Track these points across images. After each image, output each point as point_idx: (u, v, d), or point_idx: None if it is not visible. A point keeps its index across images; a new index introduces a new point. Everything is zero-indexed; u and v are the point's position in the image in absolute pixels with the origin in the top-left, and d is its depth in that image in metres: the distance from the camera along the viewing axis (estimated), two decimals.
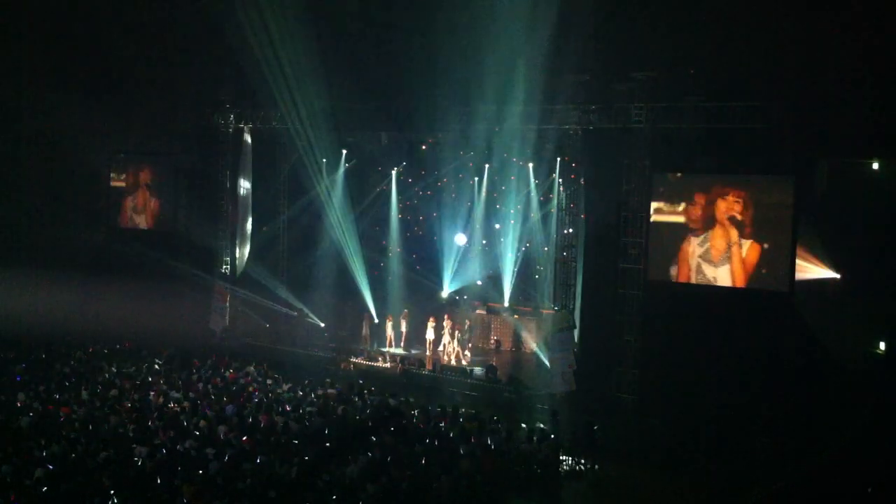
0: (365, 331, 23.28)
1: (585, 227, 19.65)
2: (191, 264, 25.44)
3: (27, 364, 19.21)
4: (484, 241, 23.96)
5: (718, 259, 17.88)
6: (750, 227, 17.63)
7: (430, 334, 22.09)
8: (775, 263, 17.38)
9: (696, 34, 17.38)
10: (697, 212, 18.23)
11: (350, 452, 13.66)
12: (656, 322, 18.25)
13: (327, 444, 14.56)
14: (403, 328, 22.71)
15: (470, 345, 21.96)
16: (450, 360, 21.29)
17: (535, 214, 22.56)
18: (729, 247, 17.77)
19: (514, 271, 23.02)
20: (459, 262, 24.32)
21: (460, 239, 23.82)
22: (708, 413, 16.54)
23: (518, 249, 23.13)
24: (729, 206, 17.82)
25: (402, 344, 22.71)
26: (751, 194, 17.65)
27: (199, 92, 24.71)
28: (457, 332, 21.68)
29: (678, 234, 18.39)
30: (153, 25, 23.81)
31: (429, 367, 21.00)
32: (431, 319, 22.30)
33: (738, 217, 17.71)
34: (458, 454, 14.23)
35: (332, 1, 21.43)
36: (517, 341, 23.44)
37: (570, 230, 19.55)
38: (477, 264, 24.03)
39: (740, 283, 17.71)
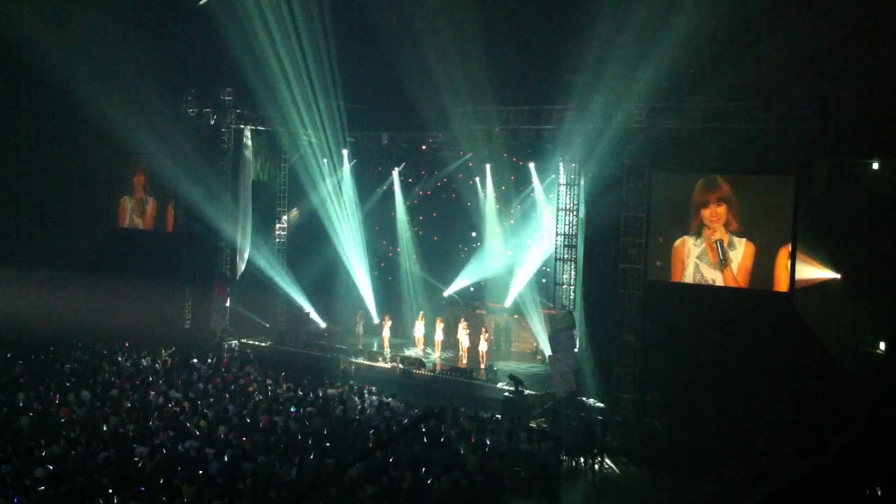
0: (359, 329, 23.28)
1: (585, 227, 19.65)
2: (191, 264, 25.44)
3: (27, 364, 19.21)
4: (474, 234, 23.88)
5: (716, 261, 17.86)
6: (740, 227, 17.60)
7: (438, 335, 22.14)
8: (771, 263, 17.36)
9: (696, 34, 17.36)
10: (691, 212, 18.21)
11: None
12: (656, 322, 18.24)
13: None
14: (421, 331, 22.74)
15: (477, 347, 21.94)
16: (482, 360, 21.24)
17: (534, 214, 22.57)
18: (723, 248, 17.76)
19: (513, 271, 23.01)
20: (460, 262, 24.33)
21: None
22: (708, 413, 16.54)
23: (518, 250, 23.13)
24: (712, 212, 17.82)
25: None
26: (738, 196, 17.61)
27: (199, 92, 24.70)
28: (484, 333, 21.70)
29: (675, 233, 18.39)
30: (154, 25, 23.81)
31: (439, 368, 21.05)
32: (439, 320, 22.36)
33: (726, 221, 17.70)
34: (458, 454, 14.24)
35: (332, 1, 21.42)
36: (517, 342, 23.46)
37: (571, 230, 19.55)
38: (477, 264, 24.03)
39: (740, 284, 17.68)
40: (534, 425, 15.96)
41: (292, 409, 16.42)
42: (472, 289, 24.60)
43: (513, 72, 19.46)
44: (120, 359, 20.33)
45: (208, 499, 11.62)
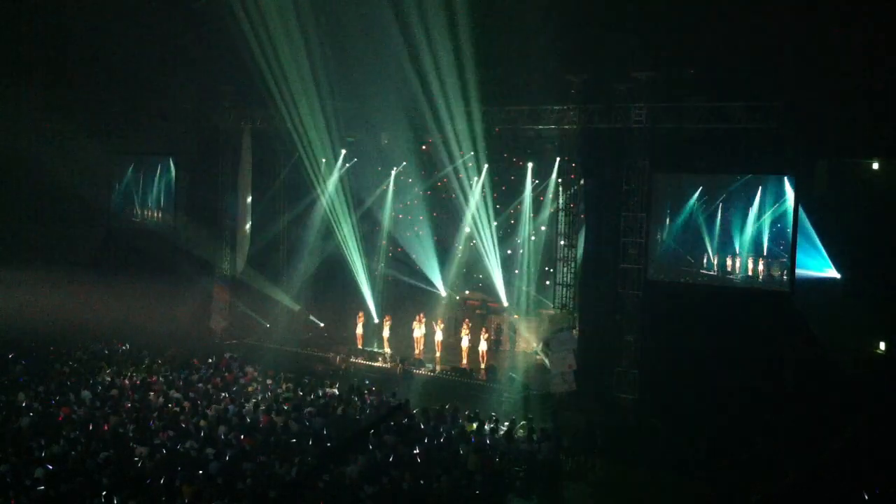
0: (359, 329, 23.28)
1: (585, 227, 19.64)
2: (191, 264, 25.42)
3: (27, 364, 19.20)
4: (468, 230, 23.88)
5: None
6: None
7: (438, 335, 22.15)
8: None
9: (696, 34, 17.37)
10: None
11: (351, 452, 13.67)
12: (656, 322, 18.25)
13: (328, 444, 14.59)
14: (421, 332, 22.72)
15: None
16: (482, 360, 21.21)
17: (535, 215, 22.58)
18: None
19: (513, 272, 23.04)
20: (459, 262, 24.35)
21: None
22: (708, 413, 16.54)
23: (518, 249, 23.14)
24: None
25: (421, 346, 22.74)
26: None
27: (199, 92, 24.70)
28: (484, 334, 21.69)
29: None
30: (153, 25, 23.78)
31: (439, 368, 21.06)
32: (440, 321, 22.36)
33: None
34: (458, 454, 14.24)
35: (332, 1, 21.41)
36: (517, 341, 23.44)
37: (571, 230, 19.54)
38: (476, 264, 24.04)
39: None
40: (533, 426, 15.92)
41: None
42: (467, 291, 24.64)
43: (513, 72, 19.44)
44: (120, 359, 20.31)
45: (208, 499, 11.61)
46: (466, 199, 23.72)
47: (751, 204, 17.89)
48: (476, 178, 23.39)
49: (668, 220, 18.82)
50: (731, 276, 18.17)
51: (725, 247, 18.22)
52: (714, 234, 18.31)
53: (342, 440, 14.62)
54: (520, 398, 18.83)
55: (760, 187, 17.72)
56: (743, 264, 18.12)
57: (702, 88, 17.86)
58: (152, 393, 17.13)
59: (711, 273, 18.44)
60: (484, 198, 23.47)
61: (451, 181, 23.94)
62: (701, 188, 18.37)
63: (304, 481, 11.98)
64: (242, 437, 14.46)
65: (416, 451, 14.32)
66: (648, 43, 17.86)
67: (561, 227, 19.63)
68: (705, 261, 18.51)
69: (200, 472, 12.81)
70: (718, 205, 18.29)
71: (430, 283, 24.40)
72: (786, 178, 17.42)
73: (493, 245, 23.50)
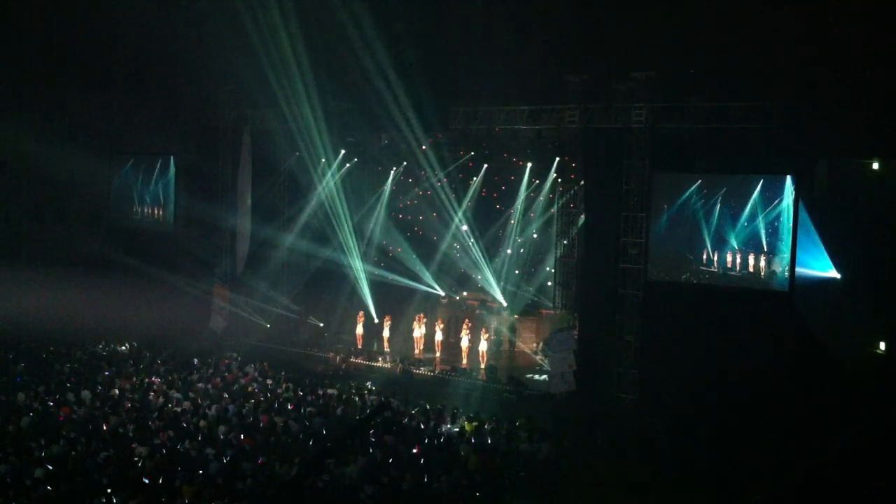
0: (359, 329, 23.31)
1: (585, 227, 19.64)
2: (190, 264, 25.43)
3: (27, 364, 19.19)
4: (466, 230, 23.88)
5: None
6: None
7: (438, 335, 22.16)
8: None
9: (696, 34, 17.37)
10: None
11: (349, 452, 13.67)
12: (656, 322, 18.24)
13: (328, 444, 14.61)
14: (421, 332, 22.73)
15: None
16: (482, 360, 21.23)
17: (535, 214, 22.59)
18: None
19: (512, 271, 23.06)
20: (458, 262, 24.36)
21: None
22: (708, 413, 16.54)
23: (518, 249, 23.16)
24: None
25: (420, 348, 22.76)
26: None
27: (199, 92, 24.69)
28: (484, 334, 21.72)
29: None
30: (153, 25, 23.78)
31: (438, 368, 21.07)
32: (439, 321, 22.37)
33: None
34: (458, 454, 14.24)
35: (332, 1, 21.39)
36: (516, 341, 23.45)
37: (570, 230, 19.54)
38: (476, 264, 24.07)
39: None
40: (533, 426, 15.92)
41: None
42: (465, 292, 24.64)
43: (513, 72, 19.43)
44: (120, 359, 20.30)
45: (208, 499, 11.61)
46: (465, 200, 23.76)
47: (750, 199, 17.86)
48: (475, 178, 23.43)
49: (666, 217, 18.80)
50: (731, 272, 18.15)
51: (725, 243, 18.18)
52: (713, 229, 18.28)
53: (331, 441, 14.64)
54: (519, 398, 18.83)
55: (760, 182, 17.69)
56: (743, 260, 18.10)
57: (702, 88, 17.86)
58: (152, 393, 17.13)
59: (712, 270, 18.42)
60: (482, 198, 23.50)
61: (451, 181, 23.98)
62: (699, 182, 18.35)
63: (299, 482, 11.97)
64: (242, 437, 14.48)
65: (416, 450, 14.33)
66: (648, 43, 17.86)
67: (560, 227, 19.63)
68: (705, 257, 18.48)
69: (200, 472, 12.81)
70: (717, 200, 18.26)
71: (428, 285, 24.42)
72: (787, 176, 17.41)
73: (492, 246, 23.54)
